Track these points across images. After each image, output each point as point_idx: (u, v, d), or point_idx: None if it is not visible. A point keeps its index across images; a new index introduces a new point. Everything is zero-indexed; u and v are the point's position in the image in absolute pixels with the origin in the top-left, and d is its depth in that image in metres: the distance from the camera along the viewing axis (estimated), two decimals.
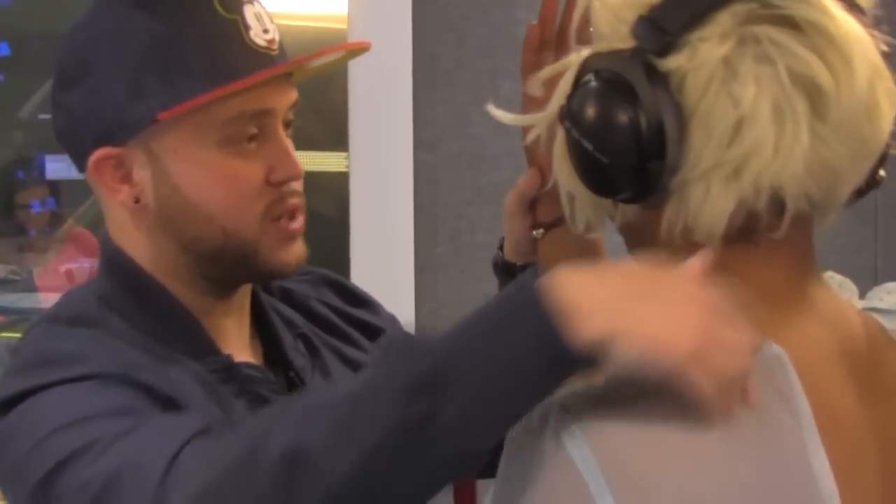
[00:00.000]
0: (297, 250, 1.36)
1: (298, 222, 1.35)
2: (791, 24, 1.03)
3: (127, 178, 1.32)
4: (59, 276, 4.15)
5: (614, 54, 1.06)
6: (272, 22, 1.33)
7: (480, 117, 2.93)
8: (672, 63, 1.04)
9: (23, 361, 1.30)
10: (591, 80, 1.06)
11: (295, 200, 1.34)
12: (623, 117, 1.03)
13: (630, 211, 1.11)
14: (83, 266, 4.20)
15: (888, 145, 1.12)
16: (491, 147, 2.72)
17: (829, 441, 1.05)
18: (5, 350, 3.95)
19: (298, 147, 1.37)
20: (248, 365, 1.40)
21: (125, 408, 1.19)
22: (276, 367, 1.45)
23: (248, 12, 1.29)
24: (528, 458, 1.02)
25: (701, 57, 1.03)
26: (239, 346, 1.42)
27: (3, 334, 4.02)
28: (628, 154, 1.03)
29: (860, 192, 1.15)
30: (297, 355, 1.46)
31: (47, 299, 4.09)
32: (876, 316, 1.26)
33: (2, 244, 4.20)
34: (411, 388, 0.93)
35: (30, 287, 4.12)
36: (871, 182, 1.16)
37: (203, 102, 1.25)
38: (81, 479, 1.13)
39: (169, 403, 1.23)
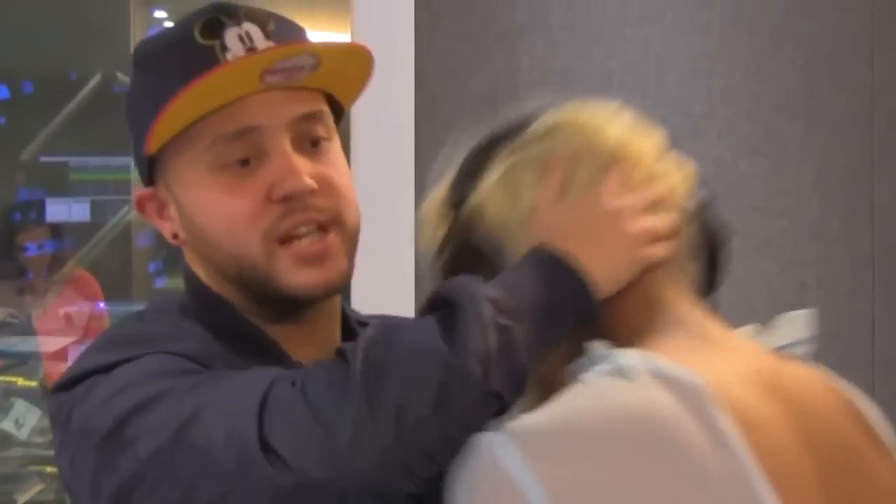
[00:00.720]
0: (323, 273, 1.27)
1: (323, 243, 1.26)
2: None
3: (165, 216, 1.33)
4: (58, 319, 4.14)
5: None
6: (269, 39, 1.28)
7: None
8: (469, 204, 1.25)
9: (99, 342, 1.30)
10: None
11: (311, 216, 1.25)
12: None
13: None
14: (82, 309, 4.19)
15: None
16: None
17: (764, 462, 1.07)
18: (3, 394, 3.94)
19: None
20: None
21: (197, 371, 1.19)
22: None
23: (230, 34, 1.26)
24: (469, 481, 1.06)
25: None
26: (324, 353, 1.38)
27: (2, 378, 4.01)
28: None
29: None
30: None
31: (46, 343, 4.08)
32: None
33: (1, 287, 4.19)
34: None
35: (29, 330, 4.11)
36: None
37: (161, 124, 1.23)
38: (159, 419, 1.12)
39: None
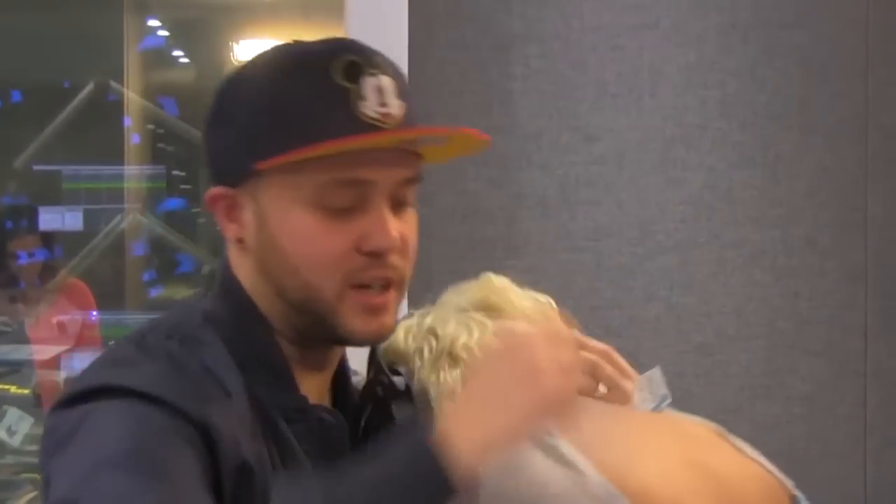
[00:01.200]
0: (378, 324, 1.35)
1: (386, 297, 1.35)
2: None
3: (236, 218, 1.37)
4: (51, 327, 4.14)
5: None
6: (400, 98, 1.34)
7: (476, 172, 2.97)
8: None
9: (100, 361, 1.35)
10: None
11: (386, 273, 1.34)
12: None
13: None
14: (75, 318, 4.19)
15: None
16: (486, 201, 2.73)
17: None
18: None
19: None
20: (323, 408, 1.42)
21: (154, 461, 1.20)
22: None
23: (369, 84, 1.31)
24: None
25: None
26: (315, 394, 1.43)
27: None
28: None
29: None
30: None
31: (39, 351, 4.07)
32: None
33: None
34: None
35: (21, 339, 4.10)
36: None
37: (293, 160, 1.28)
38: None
39: (208, 436, 1.25)
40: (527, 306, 1.45)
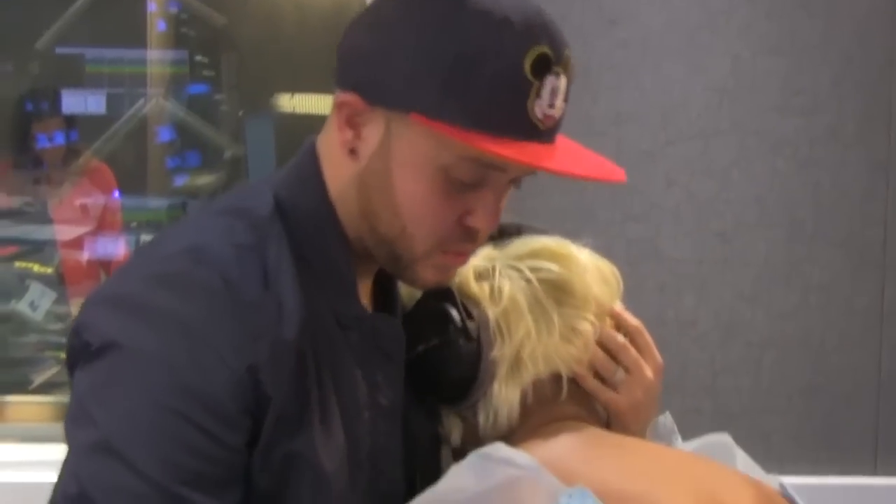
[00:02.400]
0: (444, 278, 1.40)
1: (461, 261, 1.38)
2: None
3: (357, 127, 1.33)
4: (74, 209, 4.17)
5: None
6: (564, 101, 1.30)
7: None
8: None
9: (143, 280, 1.28)
10: None
11: (470, 246, 1.36)
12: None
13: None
14: (98, 201, 4.22)
15: None
16: None
17: None
18: (19, 279, 3.97)
19: None
20: (379, 316, 1.43)
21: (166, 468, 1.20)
22: None
23: (549, 83, 1.27)
24: None
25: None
26: (364, 300, 1.43)
27: (18, 264, 4.04)
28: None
29: None
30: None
31: (62, 231, 4.11)
32: None
33: (18, 176, 4.21)
34: None
35: (44, 219, 4.13)
36: None
37: (449, 133, 1.25)
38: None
39: (248, 406, 1.24)
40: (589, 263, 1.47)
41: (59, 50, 4.63)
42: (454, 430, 1.44)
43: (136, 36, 4.62)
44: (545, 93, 1.27)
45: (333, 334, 1.35)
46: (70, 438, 1.23)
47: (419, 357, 1.41)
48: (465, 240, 1.34)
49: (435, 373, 1.40)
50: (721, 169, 2.76)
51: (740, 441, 1.46)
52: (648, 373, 1.48)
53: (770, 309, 2.78)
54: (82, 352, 1.25)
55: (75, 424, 1.23)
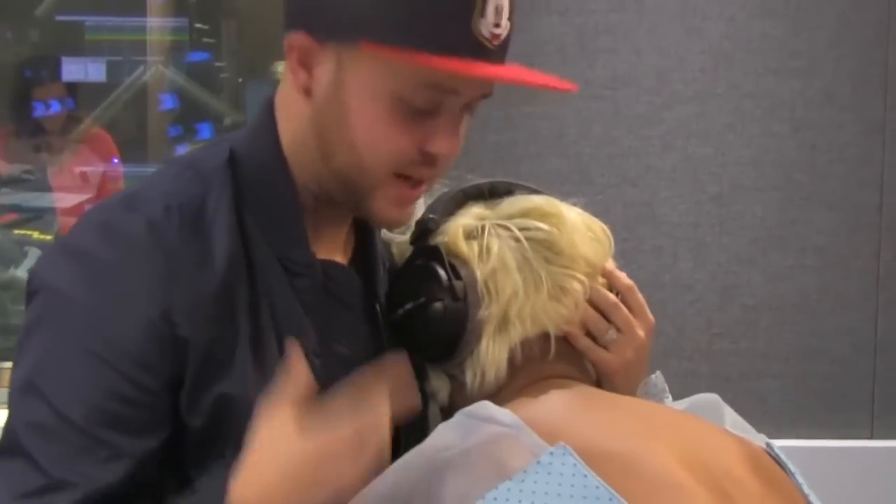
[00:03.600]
0: (404, 214, 1.39)
1: (418, 192, 1.38)
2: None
3: (309, 67, 1.34)
4: (73, 176, 4.17)
5: None
6: (509, 20, 1.32)
7: None
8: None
9: (85, 227, 1.32)
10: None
11: (431, 173, 1.36)
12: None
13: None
14: (97, 168, 4.22)
15: None
16: None
17: None
18: (19, 246, 3.98)
19: None
20: (333, 264, 1.44)
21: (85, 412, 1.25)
22: (360, 272, 1.49)
23: (491, 1, 1.29)
24: None
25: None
26: (330, 246, 1.45)
27: (18, 231, 4.05)
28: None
29: None
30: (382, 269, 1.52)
31: (61, 199, 4.11)
32: None
33: (17, 143, 4.21)
34: None
35: (44, 186, 4.14)
36: None
37: (399, 56, 1.27)
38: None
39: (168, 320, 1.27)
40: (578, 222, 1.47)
41: (59, 17, 4.63)
42: (441, 389, 1.44)
43: (135, 3, 4.61)
44: (489, 11, 1.28)
45: (277, 280, 1.36)
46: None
47: (406, 315, 1.41)
48: (421, 164, 1.34)
49: (421, 331, 1.40)
50: (717, 132, 2.76)
51: (737, 403, 1.46)
52: (640, 332, 1.49)
53: (766, 272, 2.79)
54: (26, 295, 1.31)
55: (14, 363, 1.29)
